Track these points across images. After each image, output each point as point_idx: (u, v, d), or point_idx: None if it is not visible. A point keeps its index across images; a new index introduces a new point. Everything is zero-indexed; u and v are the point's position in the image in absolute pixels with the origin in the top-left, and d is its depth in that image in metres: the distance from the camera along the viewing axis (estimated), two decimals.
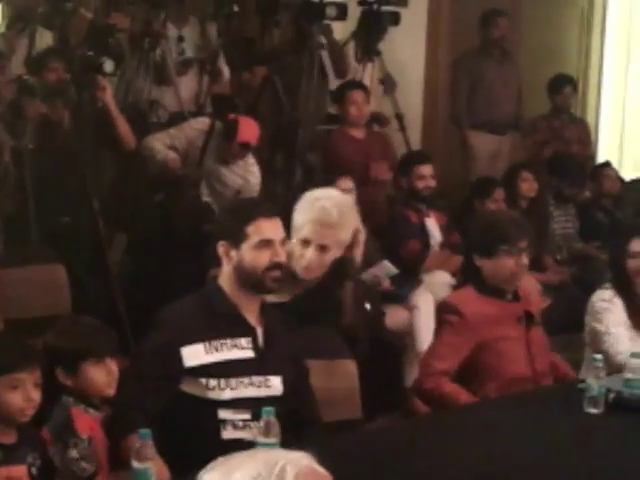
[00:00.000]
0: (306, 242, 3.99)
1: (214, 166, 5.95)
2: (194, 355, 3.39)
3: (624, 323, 4.49)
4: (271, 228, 3.50)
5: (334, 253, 4.02)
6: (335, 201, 4.06)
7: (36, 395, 3.10)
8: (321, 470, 1.55)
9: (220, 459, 1.56)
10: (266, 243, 3.46)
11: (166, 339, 3.42)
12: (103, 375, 3.28)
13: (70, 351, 3.27)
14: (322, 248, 3.98)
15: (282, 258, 3.52)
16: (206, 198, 5.99)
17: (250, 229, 3.46)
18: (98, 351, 3.27)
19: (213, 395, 3.39)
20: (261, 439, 3.02)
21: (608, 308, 4.52)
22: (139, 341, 3.94)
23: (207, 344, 3.40)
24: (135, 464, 2.81)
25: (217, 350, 3.42)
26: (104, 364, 3.28)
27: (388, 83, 6.96)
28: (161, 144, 5.92)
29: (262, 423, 3.06)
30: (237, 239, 3.47)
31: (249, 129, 5.96)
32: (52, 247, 5.56)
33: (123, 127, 5.79)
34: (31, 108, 5.64)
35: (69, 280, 5.40)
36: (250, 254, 3.45)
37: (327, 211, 3.98)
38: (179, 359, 3.38)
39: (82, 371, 3.25)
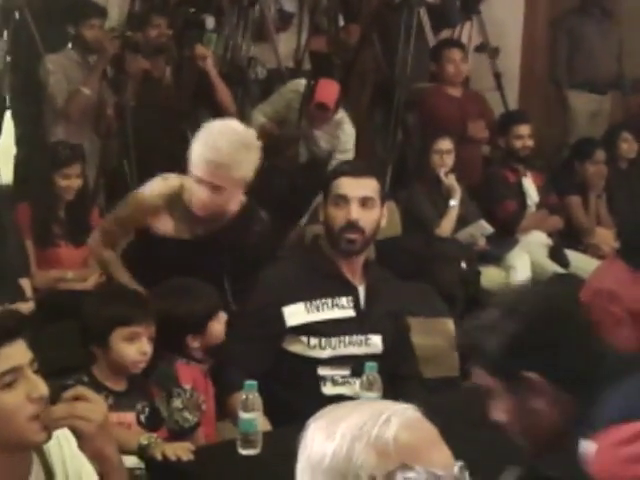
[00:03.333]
0: (200, 181, 3.75)
1: (308, 127, 5.97)
2: (295, 314, 3.43)
3: None
4: (350, 185, 3.45)
5: (231, 192, 3.78)
6: (231, 138, 3.72)
7: (149, 349, 3.18)
8: (425, 422, 1.58)
9: (327, 408, 1.61)
10: (342, 199, 3.43)
11: (268, 299, 3.47)
12: (221, 328, 3.39)
13: (198, 315, 3.36)
14: (216, 188, 3.72)
15: (356, 217, 3.42)
16: (303, 160, 6.01)
17: (333, 185, 3.47)
18: (218, 307, 3.42)
19: (313, 353, 3.44)
20: (364, 393, 3.08)
21: None
22: (238, 298, 4.03)
23: (308, 303, 3.44)
24: (242, 414, 2.89)
25: (318, 310, 3.45)
26: (220, 318, 3.40)
27: (490, 49, 6.91)
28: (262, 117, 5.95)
29: (365, 378, 3.12)
30: (325, 194, 3.50)
31: (327, 90, 5.87)
32: None
33: (224, 94, 5.83)
34: (134, 64, 5.73)
35: None
36: (329, 209, 3.47)
37: (220, 151, 3.68)
38: (281, 318, 3.43)
39: (208, 329, 3.36)
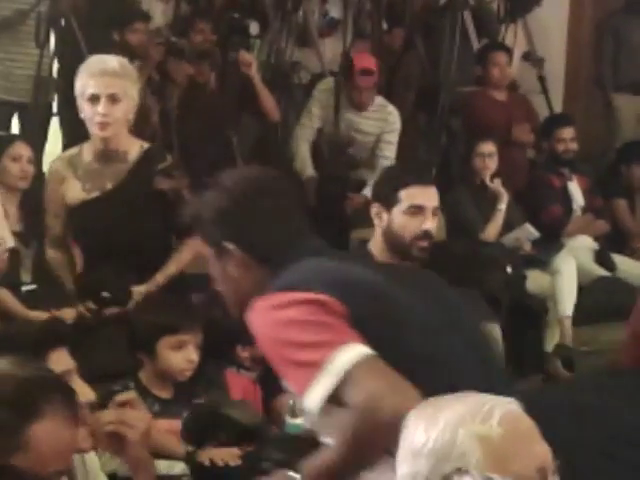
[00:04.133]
0: (94, 98, 3.81)
1: (350, 117, 5.97)
2: None
3: None
4: (424, 195, 3.52)
5: (127, 105, 3.86)
6: (110, 57, 3.94)
7: (196, 357, 3.20)
8: (526, 416, 1.60)
9: (431, 399, 1.63)
10: (417, 209, 3.48)
11: None
12: None
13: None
14: (112, 99, 3.80)
15: (432, 226, 3.50)
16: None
17: (403, 193, 3.48)
18: None
19: None
20: None
21: None
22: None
23: None
24: (289, 419, 2.90)
25: None
26: None
27: (535, 59, 6.90)
28: (305, 140, 5.98)
29: None
30: (390, 202, 3.49)
31: (364, 58, 5.96)
32: None
33: (267, 100, 5.84)
34: (178, 70, 5.75)
35: None
36: (400, 218, 3.48)
37: (106, 61, 3.88)
38: None
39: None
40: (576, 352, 4.60)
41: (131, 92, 3.85)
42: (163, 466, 3.14)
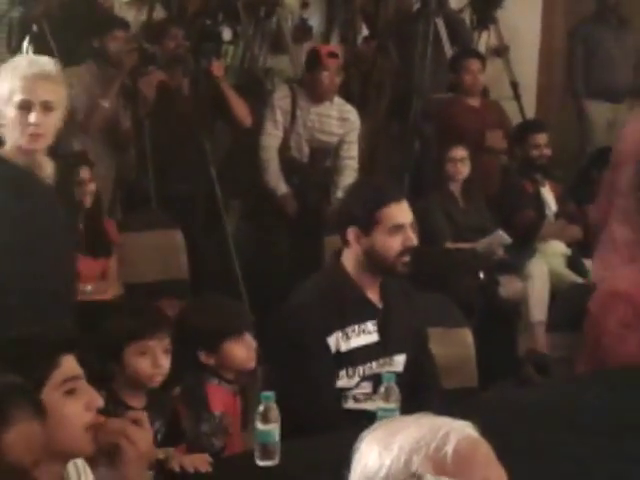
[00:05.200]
0: (25, 105, 3.36)
1: (312, 117, 5.94)
2: (333, 345, 3.38)
3: None
4: (402, 212, 3.45)
5: (60, 114, 3.45)
6: (45, 58, 3.52)
7: (165, 362, 3.16)
8: (482, 441, 1.59)
9: (384, 421, 1.61)
10: (398, 228, 3.42)
11: (314, 331, 3.38)
12: (244, 351, 3.31)
13: (211, 332, 3.31)
14: (46, 106, 3.38)
15: (414, 242, 3.46)
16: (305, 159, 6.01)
17: (381, 215, 3.40)
18: (237, 328, 3.31)
19: (342, 383, 3.41)
20: (381, 404, 3.06)
21: None
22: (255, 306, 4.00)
23: (340, 332, 3.39)
24: (259, 425, 2.88)
25: (348, 337, 3.40)
26: (243, 340, 3.32)
27: (501, 49, 6.93)
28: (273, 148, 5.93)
29: (383, 389, 3.10)
30: (368, 225, 3.41)
31: (329, 46, 6.05)
32: (170, 213, 5.67)
33: (239, 107, 5.83)
34: (150, 76, 5.74)
35: (186, 245, 5.52)
36: (382, 239, 3.40)
37: (42, 64, 3.43)
38: (329, 350, 3.37)
39: (224, 349, 3.29)
40: (551, 358, 4.59)
41: (64, 100, 3.46)
42: None
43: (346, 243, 3.47)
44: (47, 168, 3.52)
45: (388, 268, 3.44)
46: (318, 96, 5.89)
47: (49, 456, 2.19)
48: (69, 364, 2.26)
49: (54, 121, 3.41)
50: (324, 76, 5.84)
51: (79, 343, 2.36)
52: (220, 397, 3.29)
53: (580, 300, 4.52)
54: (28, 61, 3.49)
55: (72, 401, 2.24)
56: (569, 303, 4.59)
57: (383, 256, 3.42)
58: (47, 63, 3.42)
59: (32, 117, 3.34)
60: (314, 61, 5.88)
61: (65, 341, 2.31)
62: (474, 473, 1.52)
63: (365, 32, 6.90)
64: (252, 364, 3.33)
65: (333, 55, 5.90)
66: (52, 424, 2.17)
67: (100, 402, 2.30)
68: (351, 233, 3.43)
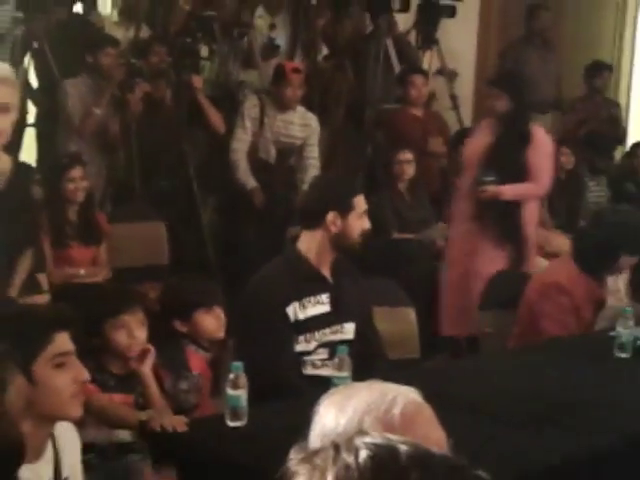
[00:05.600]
0: None
1: (278, 124, 5.92)
2: (292, 314, 3.42)
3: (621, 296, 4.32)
4: (363, 201, 3.56)
5: (14, 116, 3.28)
6: (2, 64, 3.41)
7: (140, 333, 3.15)
8: (425, 404, 1.59)
9: (341, 387, 1.61)
10: (364, 214, 3.52)
11: (275, 302, 3.41)
12: (213, 321, 3.32)
13: (184, 302, 3.32)
14: (3, 108, 3.21)
15: (369, 226, 3.56)
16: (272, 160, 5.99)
17: (355, 201, 3.50)
18: (207, 300, 3.32)
19: (300, 348, 3.43)
20: (335, 373, 3.08)
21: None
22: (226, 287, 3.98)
23: (298, 303, 3.42)
24: (230, 391, 2.89)
25: (305, 307, 3.44)
26: (213, 312, 3.32)
27: (448, 73, 6.94)
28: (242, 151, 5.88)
29: (336, 359, 3.12)
30: (346, 209, 3.47)
31: (293, 63, 6.04)
32: (154, 207, 5.66)
33: (213, 115, 5.82)
34: (137, 87, 5.71)
35: (167, 235, 5.51)
36: (355, 222, 3.48)
37: None
38: (288, 318, 3.40)
39: (195, 318, 3.30)
40: (482, 333, 4.61)
41: (17, 102, 3.29)
42: (121, 435, 3.14)
43: (314, 227, 3.48)
44: (4, 162, 3.37)
45: (350, 246, 3.51)
46: (283, 105, 5.89)
47: (39, 418, 2.23)
48: (62, 340, 2.27)
49: (10, 121, 3.23)
50: (288, 89, 5.84)
51: (73, 321, 2.36)
52: (197, 361, 3.30)
53: (509, 283, 4.57)
54: None
55: (61, 373, 2.25)
56: (499, 286, 4.63)
57: (351, 237, 3.49)
58: (3, 68, 3.25)
59: None
60: (280, 76, 5.87)
61: (60, 319, 2.31)
62: (418, 432, 1.53)
63: (325, 51, 6.88)
64: (221, 334, 3.34)
65: (296, 71, 5.90)
66: (42, 392, 2.22)
67: (86, 376, 2.32)
68: (330, 216, 3.46)
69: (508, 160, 5.05)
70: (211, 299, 3.35)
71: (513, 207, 5.11)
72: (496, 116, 5.21)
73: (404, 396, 1.57)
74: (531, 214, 5.24)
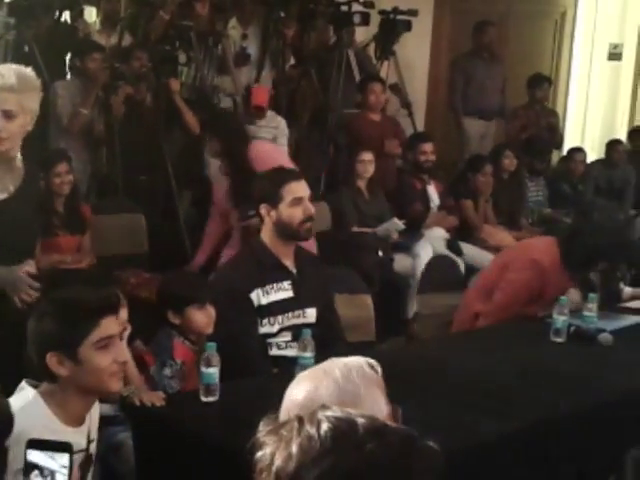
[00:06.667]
0: None
1: (250, 127, 5.88)
2: (255, 299, 3.42)
3: None
4: (299, 187, 3.48)
5: (23, 120, 3.11)
6: (14, 69, 3.11)
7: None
8: (375, 375, 1.62)
9: (302, 373, 1.62)
10: (298, 200, 3.44)
11: (241, 288, 3.41)
12: (204, 317, 3.29)
13: (178, 297, 3.31)
14: (7, 115, 3.06)
15: (312, 211, 3.49)
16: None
17: (284, 191, 3.44)
18: (200, 298, 3.30)
19: (265, 330, 3.44)
20: (300, 353, 3.09)
21: None
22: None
23: (260, 290, 3.42)
24: (204, 369, 2.89)
25: (268, 294, 3.44)
26: (205, 309, 3.31)
27: (395, 87, 6.96)
28: None
29: (301, 341, 3.13)
30: (274, 200, 3.44)
31: (260, 95, 5.89)
32: (134, 200, 5.63)
33: (188, 117, 5.79)
34: (120, 90, 5.67)
35: (147, 226, 5.49)
36: (286, 211, 3.44)
37: (4, 76, 3.06)
38: (252, 303, 3.41)
39: (187, 313, 3.28)
40: (420, 314, 4.61)
41: (30, 105, 3.10)
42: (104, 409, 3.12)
43: (261, 219, 3.50)
44: (18, 162, 3.23)
45: (294, 233, 3.47)
46: (251, 120, 5.89)
47: (83, 392, 2.32)
48: (107, 325, 2.30)
49: (17, 126, 3.09)
50: (251, 116, 5.85)
51: (118, 306, 2.39)
52: (182, 351, 3.28)
53: (443, 268, 4.59)
54: None
55: (104, 354, 2.29)
56: (433, 271, 4.64)
57: (289, 224, 3.44)
58: (10, 75, 3.06)
59: None
60: (247, 99, 5.88)
61: (106, 305, 2.33)
62: (369, 399, 1.55)
63: (292, 60, 6.87)
64: (209, 330, 3.30)
65: (258, 109, 5.83)
66: (85, 371, 2.27)
67: (126, 357, 2.39)
68: (263, 209, 3.47)
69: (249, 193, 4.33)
70: (204, 297, 3.32)
71: None
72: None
73: (358, 367, 1.59)
74: None
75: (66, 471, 1.64)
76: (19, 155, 3.22)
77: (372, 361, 1.65)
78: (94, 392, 2.35)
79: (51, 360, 2.25)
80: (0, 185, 3.18)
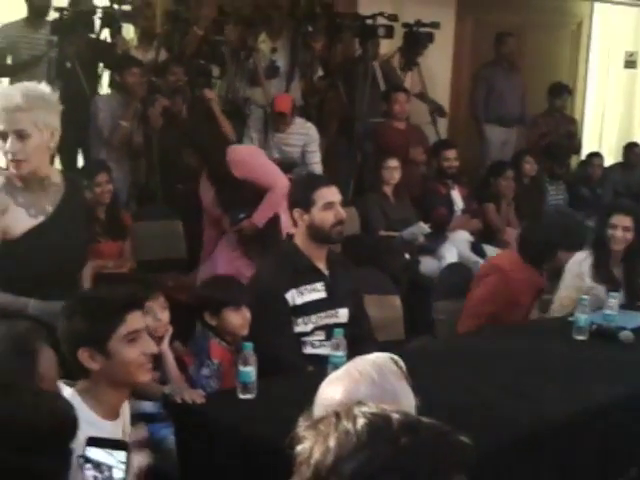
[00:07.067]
0: (3, 135, 2.88)
1: (279, 135, 5.92)
2: (291, 299, 3.43)
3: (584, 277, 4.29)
4: (330, 192, 3.49)
5: (39, 139, 2.88)
6: (21, 87, 2.92)
7: (164, 316, 3.16)
8: (401, 371, 1.62)
9: (335, 373, 1.63)
10: (329, 205, 3.46)
11: (275, 288, 3.42)
12: (239, 319, 3.31)
13: (215, 300, 3.33)
14: (20, 135, 2.86)
15: (343, 215, 3.51)
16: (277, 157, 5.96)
17: (316, 195, 3.45)
18: (236, 300, 3.32)
19: (299, 329, 3.45)
20: (333, 353, 3.09)
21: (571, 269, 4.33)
22: None
23: (295, 290, 3.43)
24: (241, 367, 2.90)
25: (302, 294, 3.45)
26: (240, 310, 3.32)
27: (420, 94, 6.96)
28: None
29: (333, 341, 3.13)
30: (307, 205, 3.46)
31: (283, 102, 5.89)
32: (172, 207, 5.65)
33: (225, 126, 5.81)
34: (157, 103, 5.71)
35: (184, 232, 5.51)
36: (318, 215, 3.45)
37: (10, 96, 2.86)
38: (287, 303, 3.42)
39: (223, 315, 3.30)
40: (436, 320, 4.60)
41: (45, 121, 2.87)
42: (146, 406, 3.15)
43: (295, 223, 3.51)
44: (54, 178, 3.03)
45: (326, 236, 3.48)
46: (278, 128, 5.89)
47: (115, 384, 2.35)
48: (134, 320, 2.34)
49: (32, 146, 2.86)
50: (277, 124, 5.86)
51: (144, 301, 2.45)
52: (218, 352, 3.29)
53: (455, 277, 4.60)
54: (1, 95, 2.94)
55: (132, 348, 2.32)
56: (447, 279, 4.65)
57: (321, 227, 3.45)
58: (15, 95, 2.86)
59: (7, 145, 2.86)
60: (271, 111, 5.89)
61: (132, 301, 2.37)
62: (403, 402, 1.56)
63: (320, 72, 6.88)
64: (245, 331, 3.31)
65: (281, 115, 5.82)
66: (115, 364, 2.31)
67: (154, 349, 2.39)
68: (296, 213, 3.48)
69: (235, 197, 4.49)
70: (239, 299, 3.34)
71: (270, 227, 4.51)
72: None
73: (388, 365, 1.60)
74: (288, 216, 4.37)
75: (124, 466, 1.67)
76: (55, 173, 3.05)
77: (395, 357, 1.66)
78: (125, 384, 2.37)
79: (83, 355, 2.29)
80: (35, 208, 2.96)
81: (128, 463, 1.70)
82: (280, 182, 4.45)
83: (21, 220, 2.93)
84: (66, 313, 2.34)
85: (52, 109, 2.91)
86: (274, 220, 4.48)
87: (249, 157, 4.59)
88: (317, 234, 3.47)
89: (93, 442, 1.68)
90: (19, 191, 2.94)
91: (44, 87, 2.94)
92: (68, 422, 1.59)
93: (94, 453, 1.67)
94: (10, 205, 2.92)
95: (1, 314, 2.36)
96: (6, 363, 1.93)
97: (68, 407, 1.64)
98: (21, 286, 2.89)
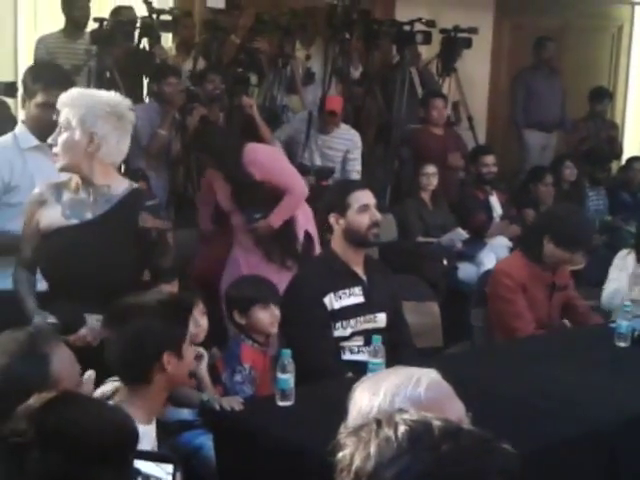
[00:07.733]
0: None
1: (322, 138, 5.89)
2: (328, 304, 3.43)
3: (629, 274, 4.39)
4: (365, 196, 3.51)
5: (69, 136, 2.89)
6: (84, 90, 3.05)
7: (203, 322, 3.17)
8: (444, 382, 1.60)
9: (369, 375, 1.62)
10: (364, 207, 3.47)
11: (313, 293, 3.43)
12: (268, 317, 3.32)
13: (243, 298, 3.34)
14: (60, 128, 2.91)
15: (379, 217, 3.51)
16: (318, 162, 5.88)
17: (351, 199, 3.47)
18: (265, 298, 3.33)
19: (338, 333, 3.44)
20: (371, 359, 3.08)
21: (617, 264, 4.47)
22: None
23: (333, 294, 3.43)
24: (280, 375, 2.90)
25: (340, 298, 3.45)
26: (269, 308, 3.33)
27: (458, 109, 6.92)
28: None
29: (372, 347, 3.12)
30: (342, 209, 3.47)
31: (334, 102, 5.89)
32: None
33: (266, 132, 5.80)
34: (195, 111, 5.74)
35: None
36: (354, 218, 3.46)
37: (68, 92, 2.92)
38: (325, 307, 3.41)
39: (252, 313, 3.31)
40: (474, 327, 4.57)
41: (81, 120, 2.86)
42: (183, 414, 3.16)
43: (330, 229, 3.51)
44: (118, 188, 2.97)
45: (362, 239, 3.48)
46: (324, 131, 5.88)
47: (172, 387, 2.45)
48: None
49: (61, 141, 2.88)
50: (325, 124, 5.81)
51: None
52: (250, 354, 3.30)
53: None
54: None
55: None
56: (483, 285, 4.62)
57: (357, 230, 3.46)
58: (73, 92, 2.92)
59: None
60: (321, 109, 5.82)
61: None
62: (441, 405, 1.54)
63: (357, 77, 6.89)
64: (274, 329, 3.33)
65: (331, 114, 5.77)
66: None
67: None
68: (332, 218, 3.49)
69: (252, 197, 4.44)
70: (268, 297, 3.36)
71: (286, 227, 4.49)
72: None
73: (427, 376, 1.58)
74: (305, 216, 4.57)
75: (171, 478, 1.68)
76: (118, 184, 2.97)
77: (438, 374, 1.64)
78: (177, 385, 2.45)
79: (168, 359, 2.31)
80: (72, 211, 2.93)
81: (175, 475, 1.70)
82: (298, 185, 4.48)
83: (53, 218, 2.93)
84: (141, 315, 2.29)
85: (99, 113, 2.87)
86: (290, 219, 4.48)
87: (268, 158, 4.58)
88: (353, 237, 3.48)
89: (140, 455, 1.68)
90: (68, 192, 2.95)
91: (114, 97, 2.98)
92: (131, 434, 1.59)
93: (143, 465, 1.67)
94: (50, 200, 2.94)
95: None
96: (17, 369, 1.91)
97: (129, 419, 1.64)
98: (52, 283, 2.98)
